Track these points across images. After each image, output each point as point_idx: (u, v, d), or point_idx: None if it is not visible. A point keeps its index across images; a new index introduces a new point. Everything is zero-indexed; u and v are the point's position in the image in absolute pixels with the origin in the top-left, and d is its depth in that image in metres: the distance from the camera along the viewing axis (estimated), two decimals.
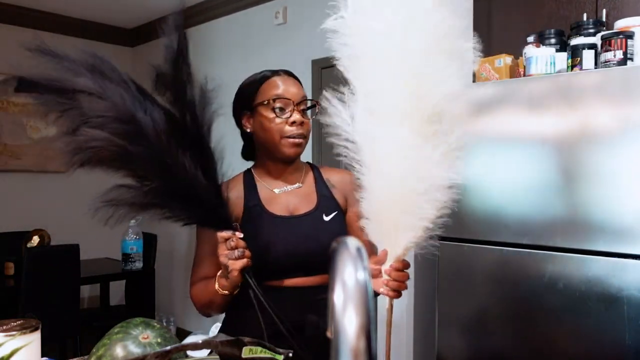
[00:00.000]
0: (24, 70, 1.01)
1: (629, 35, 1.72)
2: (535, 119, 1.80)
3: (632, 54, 1.73)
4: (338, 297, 0.44)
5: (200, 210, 1.08)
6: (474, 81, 2.04)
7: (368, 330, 0.43)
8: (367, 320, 0.43)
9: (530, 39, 2.04)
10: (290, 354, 0.85)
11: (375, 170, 1.01)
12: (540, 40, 2.03)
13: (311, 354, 1.05)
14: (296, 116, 1.26)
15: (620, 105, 1.62)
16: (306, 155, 3.46)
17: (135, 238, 3.62)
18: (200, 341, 0.81)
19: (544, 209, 1.77)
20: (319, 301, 1.23)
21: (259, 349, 0.83)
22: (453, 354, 2.00)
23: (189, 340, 1.04)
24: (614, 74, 1.66)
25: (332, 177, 1.38)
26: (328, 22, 1.00)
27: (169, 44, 1.07)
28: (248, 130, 1.32)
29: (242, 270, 1.10)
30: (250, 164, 1.40)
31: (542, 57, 1.89)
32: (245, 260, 1.09)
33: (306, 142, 1.30)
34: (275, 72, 1.32)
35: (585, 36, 1.89)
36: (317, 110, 1.28)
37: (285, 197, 1.31)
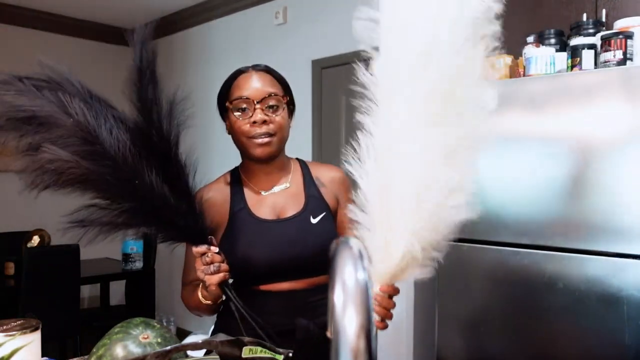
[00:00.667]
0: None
1: (629, 36, 1.72)
2: (535, 119, 1.80)
3: (631, 54, 1.73)
4: (338, 297, 0.44)
5: (172, 228, 1.05)
6: None
7: (368, 330, 0.43)
8: (367, 320, 0.43)
9: (530, 39, 2.04)
10: (290, 354, 0.85)
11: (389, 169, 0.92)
12: (540, 41, 2.03)
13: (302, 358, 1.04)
14: (258, 116, 1.20)
15: (619, 105, 1.63)
16: (306, 153, 3.47)
17: (136, 238, 3.62)
18: (200, 341, 0.81)
19: (543, 208, 1.77)
20: (308, 304, 1.22)
21: (259, 349, 0.83)
22: (453, 353, 2.00)
23: (189, 340, 1.04)
24: (614, 74, 1.66)
25: (322, 175, 1.34)
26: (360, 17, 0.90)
27: (134, 61, 1.03)
28: (227, 131, 1.29)
29: (221, 284, 1.08)
30: None
31: (541, 57, 1.89)
32: (221, 274, 1.08)
33: (279, 140, 1.24)
34: (244, 70, 1.27)
35: (585, 36, 1.89)
36: (284, 102, 1.25)
37: (273, 198, 1.28)
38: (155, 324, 0.98)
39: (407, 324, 2.33)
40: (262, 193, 1.28)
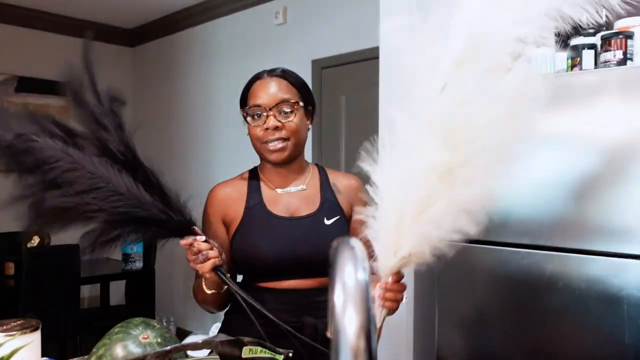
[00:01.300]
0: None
1: (629, 35, 1.72)
2: (534, 119, 1.79)
3: (631, 54, 1.73)
4: (338, 297, 0.44)
5: (153, 225, 1.07)
6: None
7: (368, 330, 0.43)
8: (367, 320, 0.43)
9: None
10: (290, 354, 0.85)
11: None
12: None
13: (306, 355, 1.05)
14: (270, 122, 1.23)
15: (619, 105, 1.63)
16: (305, 153, 3.46)
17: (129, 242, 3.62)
18: (200, 341, 0.81)
19: (543, 208, 1.77)
20: (315, 303, 1.23)
21: (259, 348, 0.83)
22: (453, 353, 2.00)
23: (189, 340, 1.04)
24: (614, 74, 1.66)
25: (339, 182, 1.36)
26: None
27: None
28: (247, 134, 1.32)
29: (215, 270, 1.09)
30: None
31: (541, 57, 1.89)
32: (210, 261, 1.08)
33: (294, 143, 1.26)
34: (260, 76, 1.30)
35: (585, 36, 1.89)
36: (296, 108, 1.26)
37: (288, 198, 1.30)
38: (155, 324, 0.98)
39: (407, 323, 2.33)
40: (278, 191, 1.31)
